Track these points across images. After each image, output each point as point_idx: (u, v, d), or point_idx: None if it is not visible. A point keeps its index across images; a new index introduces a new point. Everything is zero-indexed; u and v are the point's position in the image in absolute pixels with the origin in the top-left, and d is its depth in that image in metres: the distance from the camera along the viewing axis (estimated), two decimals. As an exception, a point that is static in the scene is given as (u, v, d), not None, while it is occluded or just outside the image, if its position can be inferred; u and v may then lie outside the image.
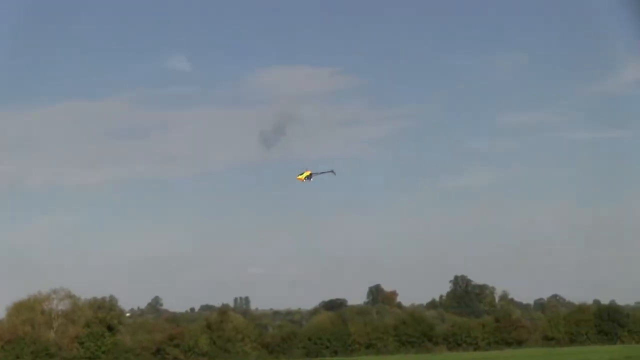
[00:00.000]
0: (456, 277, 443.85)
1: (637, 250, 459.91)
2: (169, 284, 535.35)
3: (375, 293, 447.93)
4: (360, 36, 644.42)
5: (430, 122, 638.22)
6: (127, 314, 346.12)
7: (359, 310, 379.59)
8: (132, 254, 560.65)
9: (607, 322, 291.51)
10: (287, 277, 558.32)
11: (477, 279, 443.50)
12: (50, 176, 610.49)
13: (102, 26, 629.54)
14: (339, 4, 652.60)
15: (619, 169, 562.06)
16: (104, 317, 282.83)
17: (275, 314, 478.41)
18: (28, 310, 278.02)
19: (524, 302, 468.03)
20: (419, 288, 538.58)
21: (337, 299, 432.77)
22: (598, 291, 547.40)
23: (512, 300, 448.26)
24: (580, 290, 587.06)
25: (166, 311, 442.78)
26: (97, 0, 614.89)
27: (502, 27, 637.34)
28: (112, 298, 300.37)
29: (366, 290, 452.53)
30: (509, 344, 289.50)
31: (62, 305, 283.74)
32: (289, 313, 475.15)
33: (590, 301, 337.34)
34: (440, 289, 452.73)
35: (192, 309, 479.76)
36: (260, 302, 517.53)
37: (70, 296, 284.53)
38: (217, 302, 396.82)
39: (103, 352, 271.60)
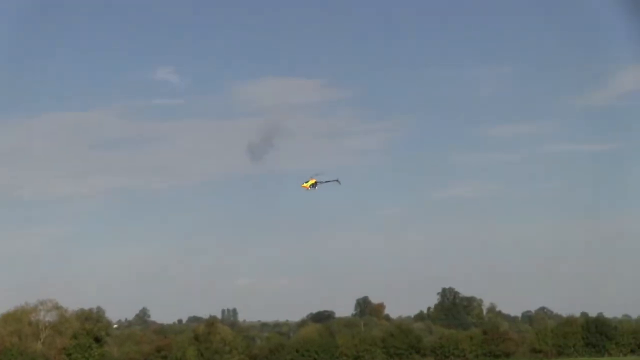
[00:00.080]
0: (444, 290, 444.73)
1: (624, 263, 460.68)
2: (156, 296, 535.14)
3: (363, 305, 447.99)
4: (349, 49, 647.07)
5: (418, 135, 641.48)
6: (115, 326, 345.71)
7: (347, 323, 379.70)
8: (119, 265, 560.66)
9: (595, 334, 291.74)
10: (275, 289, 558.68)
11: (464, 291, 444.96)
12: (38, 187, 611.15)
13: (90, 38, 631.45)
14: (327, 17, 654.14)
15: (604, 182, 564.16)
16: (91, 328, 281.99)
17: (263, 325, 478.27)
18: (15, 321, 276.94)
19: (512, 314, 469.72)
20: (407, 300, 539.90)
21: (325, 311, 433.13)
22: (586, 304, 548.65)
23: (499, 312, 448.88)
24: (568, 303, 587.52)
25: (154, 323, 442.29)
26: (85, 12, 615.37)
27: (488, 41, 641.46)
28: (99, 309, 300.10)
29: (354, 302, 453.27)
30: (496, 357, 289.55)
31: (50, 317, 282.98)
32: (276, 325, 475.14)
33: (577, 314, 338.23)
34: (428, 301, 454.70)
35: (180, 321, 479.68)
36: (248, 314, 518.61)
37: (57, 307, 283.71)
38: (204, 314, 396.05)
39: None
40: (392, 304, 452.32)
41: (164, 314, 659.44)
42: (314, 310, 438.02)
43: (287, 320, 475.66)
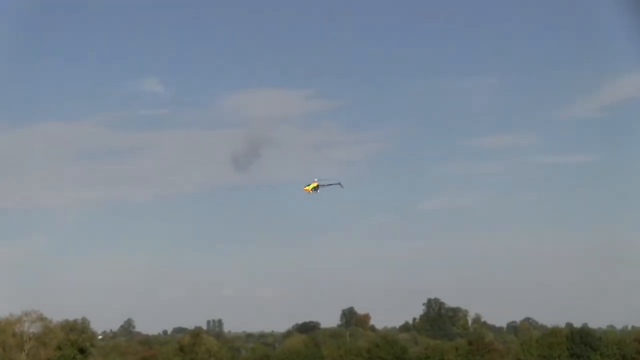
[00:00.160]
0: (429, 300, 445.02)
1: (609, 273, 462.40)
2: (141, 306, 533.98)
3: (349, 316, 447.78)
4: (335, 60, 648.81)
5: (403, 145, 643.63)
6: (100, 337, 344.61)
7: (332, 333, 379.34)
8: (104, 275, 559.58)
9: (580, 345, 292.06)
10: (260, 300, 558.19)
11: (450, 301, 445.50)
12: (22, 197, 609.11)
13: (75, 49, 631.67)
14: (312, 29, 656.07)
15: (589, 193, 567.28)
16: (75, 339, 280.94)
17: (248, 336, 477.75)
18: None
19: (497, 325, 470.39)
20: (392, 311, 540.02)
21: (310, 322, 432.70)
22: (570, 314, 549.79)
23: (485, 323, 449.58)
24: (553, 314, 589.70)
25: (139, 333, 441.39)
26: (70, 24, 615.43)
27: (473, 53, 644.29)
28: (84, 320, 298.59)
29: (339, 312, 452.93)
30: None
31: (34, 328, 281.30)
32: (262, 336, 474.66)
33: (562, 324, 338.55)
34: (413, 311, 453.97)
35: (165, 332, 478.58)
36: (233, 325, 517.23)
37: (41, 318, 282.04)
38: (190, 325, 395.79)
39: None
40: (377, 315, 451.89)
41: (149, 325, 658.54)
42: (300, 321, 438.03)
43: (272, 331, 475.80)
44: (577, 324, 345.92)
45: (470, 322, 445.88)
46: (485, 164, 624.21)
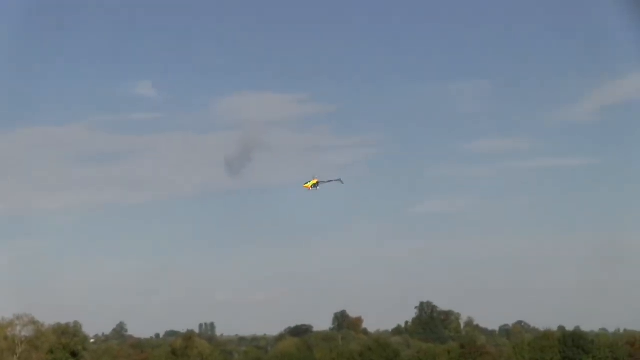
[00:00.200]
0: (422, 303, 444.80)
1: (601, 277, 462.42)
2: (134, 310, 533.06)
3: (341, 319, 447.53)
4: (327, 64, 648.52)
5: (396, 149, 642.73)
6: (92, 340, 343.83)
7: (325, 337, 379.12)
8: (97, 279, 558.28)
9: (572, 348, 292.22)
10: (253, 303, 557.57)
11: (442, 305, 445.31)
12: (14, 201, 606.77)
13: (68, 53, 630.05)
14: (306, 32, 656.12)
15: (581, 196, 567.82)
16: (67, 343, 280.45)
17: (241, 339, 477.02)
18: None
19: (489, 328, 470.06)
20: (385, 314, 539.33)
21: (303, 325, 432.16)
22: (563, 317, 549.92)
23: (477, 326, 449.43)
24: (545, 316, 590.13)
25: (131, 337, 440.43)
26: (62, 28, 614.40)
27: (465, 56, 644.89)
28: (76, 324, 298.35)
29: (332, 316, 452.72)
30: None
31: (26, 331, 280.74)
32: (254, 339, 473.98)
33: (555, 327, 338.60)
34: (405, 315, 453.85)
35: (157, 335, 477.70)
36: (226, 328, 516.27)
37: (33, 322, 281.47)
38: (182, 328, 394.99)
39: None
40: (370, 318, 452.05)
41: (141, 329, 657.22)
42: (292, 324, 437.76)
43: (265, 334, 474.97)
44: (570, 327, 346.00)
45: (462, 326, 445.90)
46: (480, 167, 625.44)
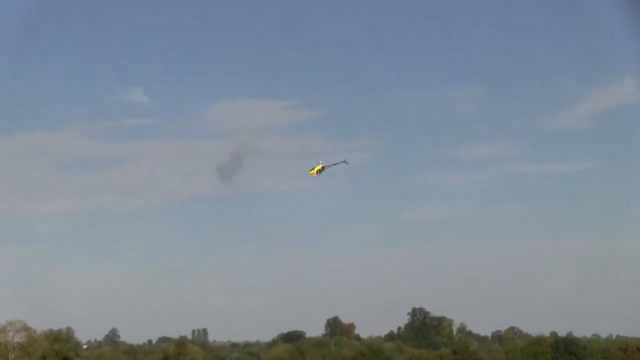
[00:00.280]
0: (414, 309, 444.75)
1: (593, 283, 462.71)
2: (126, 316, 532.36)
3: (334, 325, 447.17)
4: (319, 70, 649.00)
5: (389, 155, 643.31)
6: (84, 346, 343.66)
7: (317, 343, 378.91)
8: (89, 285, 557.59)
9: (564, 354, 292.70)
10: (246, 309, 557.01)
11: (435, 311, 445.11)
12: (7, 207, 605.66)
13: (59, 60, 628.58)
14: (297, 39, 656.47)
15: (574, 202, 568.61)
16: (60, 349, 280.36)
17: (234, 346, 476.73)
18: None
19: (482, 334, 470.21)
20: (377, 320, 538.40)
21: (295, 331, 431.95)
22: (555, 323, 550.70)
23: (469, 332, 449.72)
24: (538, 322, 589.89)
25: (123, 343, 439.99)
26: (54, 34, 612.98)
27: (459, 61, 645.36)
28: (68, 330, 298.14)
29: (324, 322, 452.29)
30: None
31: (18, 338, 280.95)
32: (247, 345, 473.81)
33: (547, 333, 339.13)
34: (398, 321, 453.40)
35: (150, 341, 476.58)
36: (219, 334, 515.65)
37: (26, 328, 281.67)
38: (174, 334, 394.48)
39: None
40: (362, 324, 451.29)
41: (133, 335, 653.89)
42: (285, 330, 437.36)
43: (257, 340, 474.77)
44: (562, 333, 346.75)
45: (455, 332, 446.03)
46: (470, 173, 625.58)
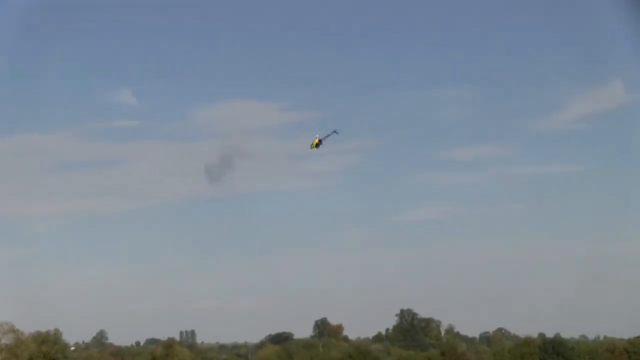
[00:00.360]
0: (402, 311, 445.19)
1: (583, 284, 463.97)
2: (114, 318, 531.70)
3: (322, 326, 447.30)
4: (310, 72, 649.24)
5: (380, 157, 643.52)
6: (72, 348, 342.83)
7: (305, 344, 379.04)
8: (77, 287, 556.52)
9: (552, 355, 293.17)
10: (234, 311, 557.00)
11: (423, 312, 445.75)
12: (2, 207, 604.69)
13: (48, 61, 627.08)
14: (287, 40, 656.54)
15: (566, 203, 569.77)
16: (48, 351, 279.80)
17: (222, 347, 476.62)
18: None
19: (470, 335, 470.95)
20: (365, 321, 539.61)
21: (283, 333, 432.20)
22: (543, 324, 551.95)
23: (457, 333, 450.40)
24: (526, 324, 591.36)
25: (111, 345, 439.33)
26: (43, 36, 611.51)
27: (451, 63, 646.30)
28: (56, 331, 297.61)
29: (312, 323, 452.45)
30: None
31: (6, 339, 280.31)
32: (235, 346, 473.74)
33: (535, 334, 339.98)
34: (386, 322, 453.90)
35: (138, 343, 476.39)
36: (207, 336, 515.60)
37: (13, 330, 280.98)
38: (162, 336, 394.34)
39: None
40: (350, 325, 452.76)
41: (121, 336, 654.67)
42: (273, 332, 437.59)
43: (245, 342, 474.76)
44: (550, 334, 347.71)
45: (443, 333, 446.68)
46: (462, 175, 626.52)
